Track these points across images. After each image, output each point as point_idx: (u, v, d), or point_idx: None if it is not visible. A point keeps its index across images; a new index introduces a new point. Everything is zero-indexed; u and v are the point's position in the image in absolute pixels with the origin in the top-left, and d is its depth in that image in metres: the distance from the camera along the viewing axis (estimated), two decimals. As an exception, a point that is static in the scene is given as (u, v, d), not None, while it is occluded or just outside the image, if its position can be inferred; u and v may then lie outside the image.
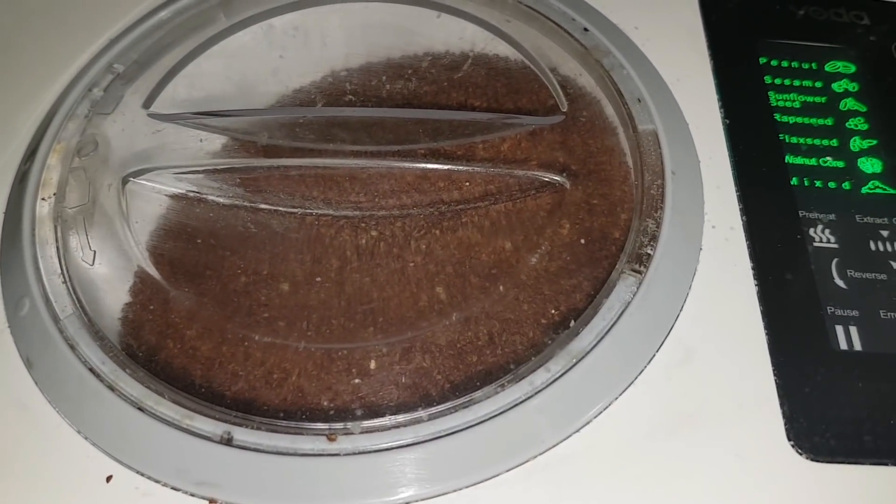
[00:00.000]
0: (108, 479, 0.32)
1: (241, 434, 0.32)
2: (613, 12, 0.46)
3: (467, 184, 0.41)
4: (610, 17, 0.46)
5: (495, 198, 0.40)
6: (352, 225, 0.40)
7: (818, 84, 0.45)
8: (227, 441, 0.32)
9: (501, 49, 0.46)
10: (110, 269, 0.38)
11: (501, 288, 0.37)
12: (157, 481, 0.32)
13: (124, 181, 0.40)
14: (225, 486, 0.32)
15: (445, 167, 0.41)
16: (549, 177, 0.40)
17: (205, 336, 0.36)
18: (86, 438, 0.33)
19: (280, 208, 0.40)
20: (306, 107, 0.43)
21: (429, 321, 0.37)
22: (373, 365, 0.36)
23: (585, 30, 0.44)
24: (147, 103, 0.43)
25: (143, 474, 0.32)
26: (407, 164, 0.41)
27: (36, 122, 0.44)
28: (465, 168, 0.41)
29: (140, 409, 0.33)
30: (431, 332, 0.36)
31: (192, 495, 0.32)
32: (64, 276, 0.37)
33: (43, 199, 0.39)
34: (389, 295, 0.38)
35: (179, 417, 0.33)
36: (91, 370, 0.34)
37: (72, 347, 0.35)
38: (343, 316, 0.37)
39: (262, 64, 0.45)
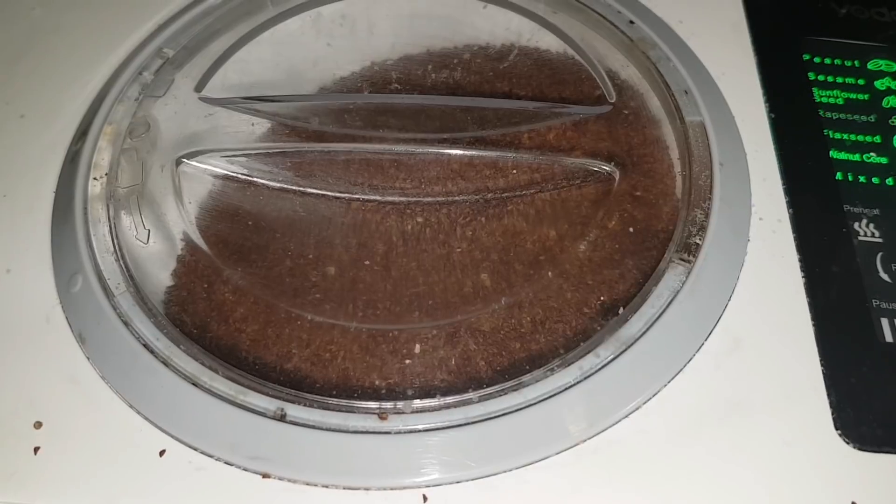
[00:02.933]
0: (162, 453, 0.33)
1: (294, 410, 0.33)
2: (658, 6, 0.47)
3: (513, 172, 0.41)
4: (655, 10, 0.47)
5: (540, 186, 0.41)
6: (398, 211, 0.40)
7: (861, 81, 0.45)
8: (281, 417, 0.32)
9: (547, 40, 0.46)
10: (162, 248, 0.39)
11: (549, 276, 0.38)
12: (210, 456, 0.33)
13: (177, 162, 0.41)
14: (278, 461, 0.32)
15: (492, 154, 0.41)
16: (597, 166, 0.41)
17: (253, 316, 0.37)
18: (138, 413, 0.34)
19: (327, 193, 0.41)
20: (354, 93, 0.44)
21: (474, 307, 0.37)
22: (418, 348, 0.36)
23: (631, 22, 0.45)
24: (199, 87, 0.43)
25: (196, 449, 0.33)
26: (453, 151, 0.41)
27: (85, 104, 0.44)
28: (512, 155, 0.41)
29: (194, 384, 0.33)
30: (476, 317, 0.37)
31: (245, 470, 0.32)
32: (116, 254, 0.37)
33: (95, 178, 0.39)
34: (435, 280, 0.38)
35: (234, 393, 0.33)
36: (145, 346, 0.34)
37: (125, 323, 0.35)
38: (389, 300, 0.38)
39: (310, 51, 0.46)
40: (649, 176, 0.41)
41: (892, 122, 0.43)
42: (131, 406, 0.34)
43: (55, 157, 0.42)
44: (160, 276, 0.38)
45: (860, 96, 0.44)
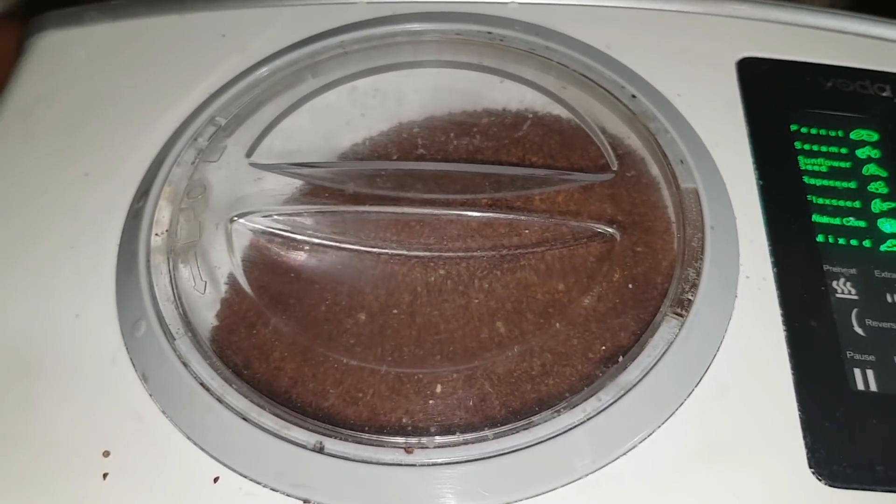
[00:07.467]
0: (216, 480, 0.37)
1: (331, 444, 0.37)
2: (659, 81, 0.51)
3: (526, 231, 0.46)
4: (656, 85, 0.51)
5: (550, 244, 0.45)
6: (422, 264, 0.45)
7: (843, 150, 0.49)
8: (320, 449, 0.37)
9: (557, 112, 0.51)
10: (215, 297, 0.43)
11: (557, 325, 0.42)
12: (258, 482, 0.37)
13: (230, 221, 0.46)
14: (317, 489, 0.36)
15: (507, 216, 0.46)
16: (601, 227, 0.45)
17: (291, 356, 0.41)
18: (195, 444, 0.38)
19: (360, 248, 0.46)
20: (385, 160, 0.49)
21: (490, 352, 0.41)
22: (439, 389, 0.40)
23: (633, 96, 0.49)
24: (249, 153, 0.49)
25: (246, 476, 0.37)
26: (473, 213, 0.46)
27: (143, 165, 0.49)
28: (525, 217, 0.46)
29: (244, 419, 0.38)
30: (492, 362, 0.41)
31: (289, 496, 0.36)
32: (176, 303, 0.42)
33: (156, 234, 0.44)
34: (455, 327, 0.43)
35: (278, 427, 0.37)
36: (202, 385, 0.39)
37: (185, 365, 0.40)
38: (414, 344, 0.42)
39: (346, 120, 0.51)
40: (649, 234, 0.45)
41: (871, 188, 0.48)
42: (189, 437, 0.38)
43: (117, 213, 0.47)
44: (213, 322, 0.43)
45: (843, 164, 0.49)
